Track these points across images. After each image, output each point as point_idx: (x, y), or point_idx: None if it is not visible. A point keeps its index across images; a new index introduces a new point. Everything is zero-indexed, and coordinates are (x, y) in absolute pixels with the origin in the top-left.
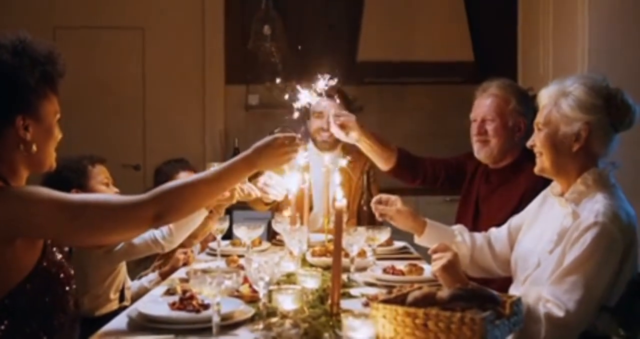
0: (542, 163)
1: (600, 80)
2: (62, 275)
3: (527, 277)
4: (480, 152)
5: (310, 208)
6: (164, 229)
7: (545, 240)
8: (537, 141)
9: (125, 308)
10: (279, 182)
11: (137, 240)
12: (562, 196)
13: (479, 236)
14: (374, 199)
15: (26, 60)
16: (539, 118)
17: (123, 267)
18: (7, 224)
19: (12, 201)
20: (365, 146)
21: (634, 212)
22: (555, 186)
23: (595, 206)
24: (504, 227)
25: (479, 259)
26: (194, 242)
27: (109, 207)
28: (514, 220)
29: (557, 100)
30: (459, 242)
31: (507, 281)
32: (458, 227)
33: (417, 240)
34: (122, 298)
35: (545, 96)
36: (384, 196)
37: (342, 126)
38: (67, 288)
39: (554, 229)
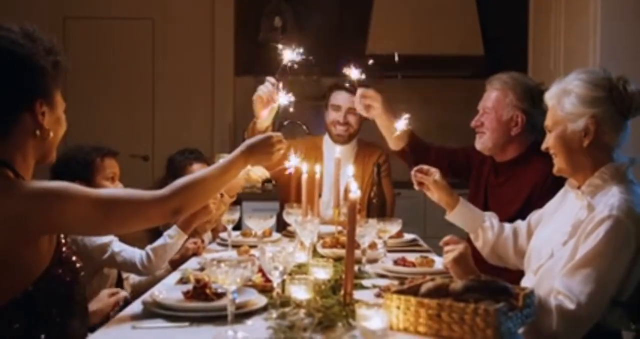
0: (559, 164)
1: (600, 73)
2: (74, 266)
3: (540, 267)
4: (477, 143)
5: (319, 195)
6: (144, 256)
7: (560, 232)
8: (549, 143)
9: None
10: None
11: (120, 257)
12: (578, 189)
13: (508, 226)
14: (415, 168)
15: (41, 46)
16: (548, 121)
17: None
18: (36, 221)
19: (40, 198)
20: (383, 123)
21: None
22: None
23: (611, 199)
24: (525, 221)
25: (499, 248)
26: (207, 227)
27: (136, 202)
28: (535, 214)
29: (560, 99)
30: (486, 227)
31: (520, 273)
32: (489, 214)
33: (448, 216)
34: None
35: (549, 98)
36: (425, 167)
37: (367, 107)
38: (78, 278)
39: (568, 221)
